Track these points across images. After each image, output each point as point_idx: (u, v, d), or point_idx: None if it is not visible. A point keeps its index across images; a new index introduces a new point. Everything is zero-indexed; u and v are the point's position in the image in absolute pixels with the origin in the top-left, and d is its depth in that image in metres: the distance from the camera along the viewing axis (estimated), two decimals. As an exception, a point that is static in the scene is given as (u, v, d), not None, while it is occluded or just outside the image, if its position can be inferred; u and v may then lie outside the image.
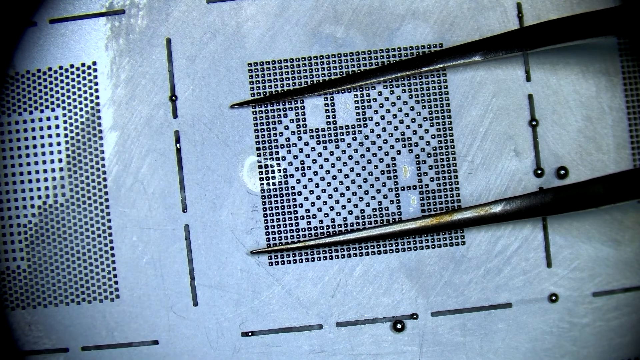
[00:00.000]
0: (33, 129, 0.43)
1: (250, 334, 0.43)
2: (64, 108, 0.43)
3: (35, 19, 0.43)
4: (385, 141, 0.44)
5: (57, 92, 0.43)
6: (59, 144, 0.43)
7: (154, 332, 0.43)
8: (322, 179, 0.43)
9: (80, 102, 0.43)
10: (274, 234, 0.43)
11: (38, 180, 0.43)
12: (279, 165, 0.43)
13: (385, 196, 0.43)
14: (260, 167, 0.43)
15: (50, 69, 0.43)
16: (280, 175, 0.43)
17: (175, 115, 0.43)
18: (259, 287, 0.43)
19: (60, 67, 0.43)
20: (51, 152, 0.43)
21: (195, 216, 0.43)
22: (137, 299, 0.43)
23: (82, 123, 0.43)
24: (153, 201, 0.43)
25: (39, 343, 0.43)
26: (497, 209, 0.42)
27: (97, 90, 0.43)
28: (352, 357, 0.43)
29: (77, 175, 0.43)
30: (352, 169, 0.43)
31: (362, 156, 0.43)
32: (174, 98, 0.43)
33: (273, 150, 0.43)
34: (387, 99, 0.44)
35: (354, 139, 0.44)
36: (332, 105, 0.44)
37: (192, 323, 0.43)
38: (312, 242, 0.43)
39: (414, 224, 0.43)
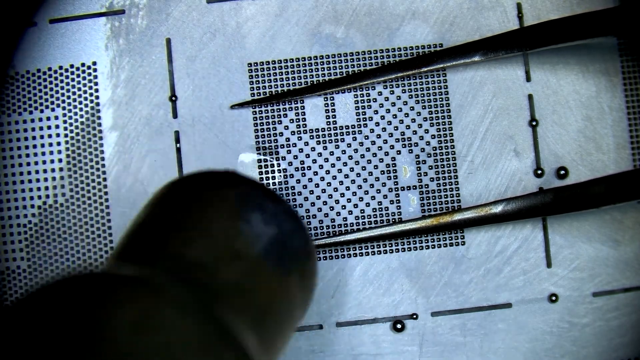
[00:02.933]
0: (33, 129, 0.43)
1: (250, 334, 0.43)
2: (64, 108, 0.43)
3: (35, 19, 0.43)
4: (385, 141, 0.44)
5: (57, 92, 0.43)
6: (59, 144, 0.43)
7: (154, 332, 0.43)
8: (322, 179, 0.43)
9: (80, 102, 0.43)
10: (274, 234, 0.43)
11: (38, 180, 0.43)
12: (279, 165, 0.43)
13: (385, 196, 0.43)
14: (260, 167, 0.43)
15: (50, 69, 0.43)
16: (280, 175, 0.43)
17: (175, 115, 0.43)
18: (259, 287, 0.43)
19: (60, 67, 0.43)
20: (51, 152, 0.43)
21: (195, 216, 0.43)
22: (137, 299, 0.43)
23: (82, 123, 0.43)
24: (153, 201, 0.43)
25: (39, 343, 0.43)
26: (498, 209, 0.42)
27: (97, 91, 0.43)
28: (352, 357, 0.43)
29: (77, 175, 0.43)
30: (352, 169, 0.43)
31: (362, 156, 0.43)
32: (174, 98, 0.43)
33: (273, 150, 0.43)
34: (387, 99, 0.44)
35: (354, 139, 0.44)
36: (332, 105, 0.44)
37: (192, 323, 0.43)
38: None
39: (414, 224, 0.43)
